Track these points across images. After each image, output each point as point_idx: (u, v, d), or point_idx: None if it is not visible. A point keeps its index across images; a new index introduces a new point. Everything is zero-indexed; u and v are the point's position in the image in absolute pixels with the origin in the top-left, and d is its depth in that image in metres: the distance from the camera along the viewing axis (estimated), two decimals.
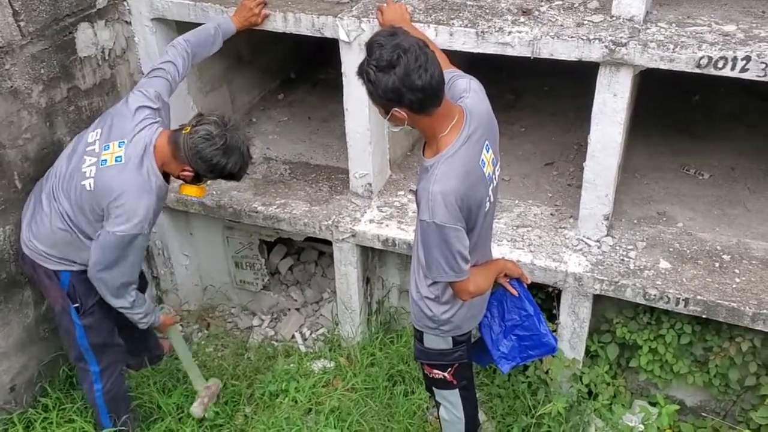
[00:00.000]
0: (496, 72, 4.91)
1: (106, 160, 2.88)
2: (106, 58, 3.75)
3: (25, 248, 3.09)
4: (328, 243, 3.89)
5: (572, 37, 3.08)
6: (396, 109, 2.30)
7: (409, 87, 2.21)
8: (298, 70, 5.44)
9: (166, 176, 3.00)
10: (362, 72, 2.29)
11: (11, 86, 3.21)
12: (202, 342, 4.26)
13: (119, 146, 2.88)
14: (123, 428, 3.41)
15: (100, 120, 3.06)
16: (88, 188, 2.88)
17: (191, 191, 3.08)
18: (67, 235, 2.98)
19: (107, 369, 3.30)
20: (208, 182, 3.13)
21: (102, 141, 2.93)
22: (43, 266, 3.06)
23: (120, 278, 2.97)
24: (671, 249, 3.51)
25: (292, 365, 3.95)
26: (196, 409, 3.61)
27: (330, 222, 3.77)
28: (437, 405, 3.08)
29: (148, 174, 2.87)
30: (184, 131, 2.89)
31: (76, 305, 3.12)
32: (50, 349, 3.65)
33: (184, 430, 3.49)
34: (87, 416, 3.51)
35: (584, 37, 3.06)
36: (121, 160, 2.86)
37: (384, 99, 2.28)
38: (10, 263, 3.33)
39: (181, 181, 3.07)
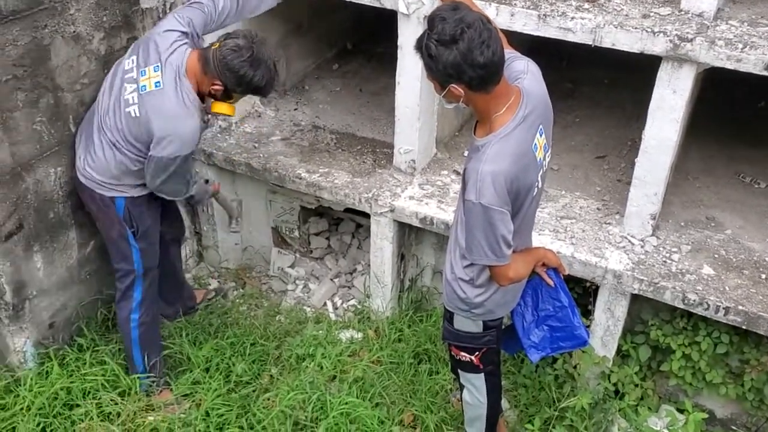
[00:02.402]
0: (556, 60, 4.82)
1: (145, 86, 3.02)
2: (167, 11, 3.79)
3: (81, 177, 3.23)
4: (367, 216, 3.90)
5: (636, 28, 2.99)
6: (454, 85, 2.25)
7: (470, 63, 2.16)
8: (355, 42, 5.42)
9: (202, 99, 3.13)
10: (422, 46, 2.23)
11: (74, 31, 3.27)
12: (238, 300, 4.33)
13: (155, 71, 3.02)
14: (151, 374, 3.51)
15: (134, 47, 3.18)
16: (134, 115, 3.04)
17: (222, 108, 3.18)
18: (122, 165, 3.14)
19: (146, 300, 3.45)
20: (239, 100, 3.24)
21: (138, 67, 3.06)
22: (99, 193, 3.21)
23: (175, 185, 3.20)
24: (716, 255, 3.42)
25: (320, 332, 3.99)
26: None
27: (370, 195, 3.77)
28: (461, 387, 3.07)
29: (186, 98, 3.01)
30: (213, 46, 3.03)
31: (133, 230, 3.29)
32: (90, 291, 3.75)
33: (210, 382, 3.56)
34: (119, 358, 3.61)
35: (649, 29, 2.97)
36: (160, 86, 3.00)
37: (443, 74, 2.23)
38: (58, 204, 3.42)
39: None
